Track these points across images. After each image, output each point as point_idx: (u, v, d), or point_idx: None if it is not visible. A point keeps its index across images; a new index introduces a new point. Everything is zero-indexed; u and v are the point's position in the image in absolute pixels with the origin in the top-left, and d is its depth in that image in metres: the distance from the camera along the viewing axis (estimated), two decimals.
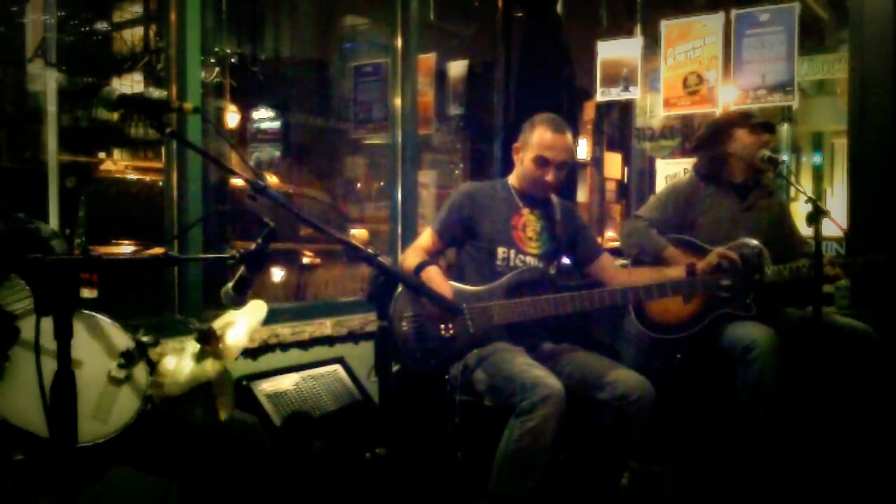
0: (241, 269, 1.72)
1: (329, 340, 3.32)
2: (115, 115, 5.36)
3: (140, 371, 2.05)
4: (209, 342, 2.11)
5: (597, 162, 6.81)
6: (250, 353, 2.95)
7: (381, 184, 5.97)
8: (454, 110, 5.10)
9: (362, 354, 3.32)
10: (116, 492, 2.04)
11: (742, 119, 3.24)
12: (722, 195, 3.22)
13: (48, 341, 1.37)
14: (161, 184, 3.30)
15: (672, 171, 4.50)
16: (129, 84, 6.17)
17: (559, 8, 4.54)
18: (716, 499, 2.96)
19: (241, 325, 2.16)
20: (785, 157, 6.82)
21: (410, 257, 2.75)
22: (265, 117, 7.22)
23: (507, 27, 4.64)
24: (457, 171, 6.33)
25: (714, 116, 3.88)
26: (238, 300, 1.76)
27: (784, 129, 6.97)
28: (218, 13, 5.65)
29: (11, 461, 1.80)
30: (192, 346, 2.17)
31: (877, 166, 3.53)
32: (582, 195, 6.81)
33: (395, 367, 2.65)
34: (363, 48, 7.08)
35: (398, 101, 3.97)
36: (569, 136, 2.75)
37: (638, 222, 3.24)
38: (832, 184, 8.86)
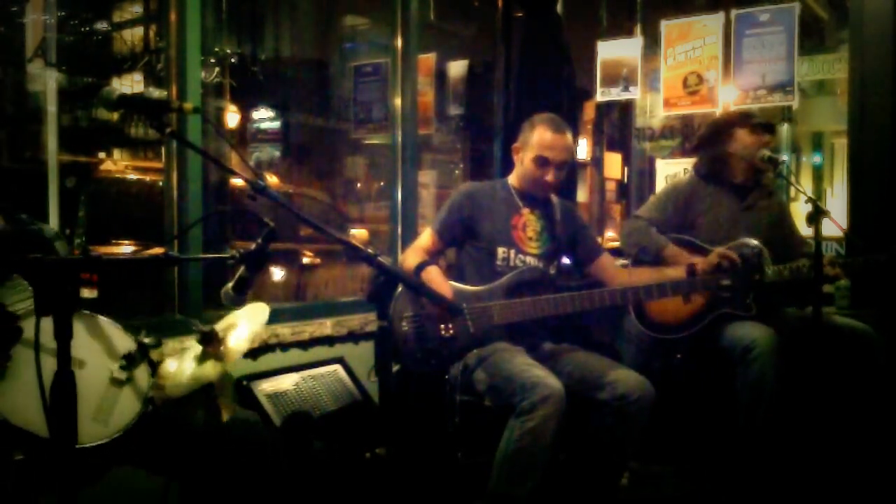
0: (241, 269, 1.72)
1: (329, 340, 3.32)
2: (115, 115, 5.36)
3: (142, 373, 2.05)
4: (211, 344, 2.11)
5: (597, 162, 6.82)
6: (250, 353, 2.95)
7: (381, 184, 5.97)
8: (454, 110, 5.10)
9: (362, 354, 3.32)
10: (116, 492, 2.04)
11: (742, 119, 3.24)
12: (722, 195, 3.22)
13: (50, 341, 1.37)
14: (161, 184, 3.30)
15: (672, 171, 4.49)
16: (129, 84, 6.17)
17: (559, 8, 4.54)
18: (716, 499, 2.96)
19: (244, 328, 2.17)
20: (785, 157, 6.83)
21: (410, 257, 2.75)
22: (265, 117, 7.23)
23: (507, 27, 4.64)
24: (457, 171, 6.33)
25: (714, 116, 3.88)
26: (238, 300, 1.76)
27: (784, 129, 6.97)
28: (218, 13, 5.66)
29: (11, 461, 1.80)
30: (195, 348, 2.17)
31: (877, 166, 3.53)
32: (582, 195, 6.81)
33: (395, 367, 2.65)
34: (363, 48, 7.08)
35: (398, 101, 3.97)
36: (569, 135, 2.75)
37: (638, 222, 3.24)
38: (832, 184, 8.85)
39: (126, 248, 4.13)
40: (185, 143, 2.48)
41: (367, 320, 3.43)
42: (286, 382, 2.91)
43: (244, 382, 2.81)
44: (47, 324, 1.36)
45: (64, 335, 1.35)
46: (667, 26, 4.15)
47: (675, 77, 4.11)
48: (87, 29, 6.69)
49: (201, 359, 2.15)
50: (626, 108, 6.09)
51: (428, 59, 4.47)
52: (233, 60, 6.12)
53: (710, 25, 4.02)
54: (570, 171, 3.05)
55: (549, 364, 2.53)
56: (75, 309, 1.35)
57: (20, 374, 1.81)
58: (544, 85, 4.34)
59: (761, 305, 2.99)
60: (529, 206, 2.80)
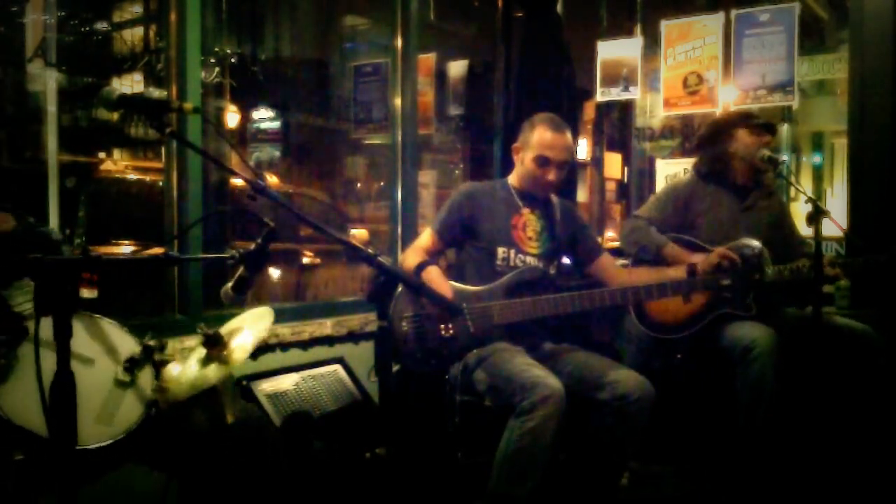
0: (241, 269, 1.72)
1: (329, 340, 3.32)
2: (115, 115, 5.36)
3: (146, 375, 2.06)
4: (215, 347, 2.12)
5: (597, 162, 6.82)
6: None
7: (381, 184, 5.97)
8: (454, 110, 5.10)
9: (362, 354, 3.32)
10: (116, 491, 2.04)
11: (743, 119, 3.23)
12: (722, 195, 3.22)
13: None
14: (161, 184, 3.30)
15: (672, 171, 4.49)
16: (129, 84, 6.17)
17: (559, 8, 4.54)
18: (716, 499, 2.96)
19: (248, 332, 2.17)
20: (785, 157, 6.83)
21: (410, 257, 2.75)
22: (265, 117, 7.23)
23: (507, 27, 4.64)
24: (457, 171, 6.33)
25: (714, 116, 3.88)
26: (238, 300, 1.76)
27: (784, 129, 6.97)
28: (218, 13, 5.66)
29: (11, 461, 1.80)
30: (199, 351, 2.17)
31: (877, 166, 3.53)
32: (582, 195, 6.82)
33: (395, 367, 2.65)
34: (363, 48, 7.09)
35: (398, 101, 3.97)
36: (568, 135, 2.75)
37: (638, 222, 3.24)
38: (832, 184, 8.85)
39: (126, 248, 4.13)
40: (185, 143, 2.48)
41: (367, 320, 3.44)
42: (286, 382, 2.91)
43: (244, 382, 2.81)
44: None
45: (64, 335, 1.35)
46: (667, 26, 4.15)
47: (675, 77, 4.11)
48: (87, 29, 6.70)
49: (205, 362, 2.15)
50: (626, 108, 6.10)
51: (428, 59, 4.47)
52: (233, 60, 6.12)
53: (710, 25, 4.02)
54: (570, 171, 3.05)
55: (549, 364, 2.53)
56: (75, 309, 1.35)
57: (25, 373, 1.82)
58: (544, 85, 4.34)
59: (761, 305, 2.99)
60: (529, 206, 2.80)
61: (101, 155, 5.85)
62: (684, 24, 4.11)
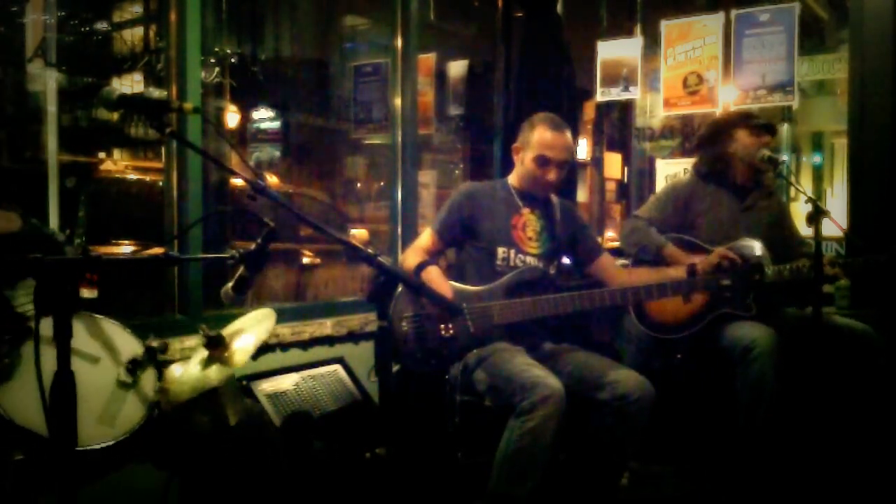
0: (241, 269, 1.72)
1: (329, 340, 3.32)
2: (115, 115, 5.36)
3: (148, 377, 2.06)
4: (217, 349, 2.12)
5: (597, 162, 6.82)
6: None
7: (381, 184, 5.97)
8: (454, 110, 5.10)
9: (362, 354, 3.32)
10: (116, 491, 2.04)
11: (743, 119, 3.24)
12: (722, 195, 3.22)
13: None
14: (161, 184, 3.30)
15: (672, 171, 4.50)
16: (129, 84, 6.18)
17: (559, 8, 4.54)
18: (716, 499, 2.96)
19: (250, 334, 2.17)
20: (785, 157, 6.83)
21: (410, 257, 2.75)
22: (265, 117, 7.23)
23: (507, 27, 4.64)
24: (457, 171, 6.33)
25: (714, 116, 3.88)
26: (238, 300, 1.76)
27: (784, 129, 6.97)
28: (218, 13, 5.66)
29: (11, 461, 1.81)
30: (201, 352, 2.18)
31: (877, 166, 3.53)
32: (582, 195, 6.82)
33: (395, 367, 2.65)
34: (363, 48, 7.09)
35: (398, 101, 3.97)
36: (568, 134, 2.75)
37: (637, 222, 3.24)
38: (832, 184, 8.86)
39: (126, 248, 4.13)
40: (185, 143, 2.48)
41: (367, 320, 3.43)
42: (286, 382, 2.91)
43: (244, 382, 2.81)
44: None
45: (64, 335, 1.35)
46: (667, 26, 4.15)
47: (675, 77, 4.11)
48: (87, 29, 6.70)
49: (207, 363, 2.15)
50: (626, 108, 6.10)
51: (428, 59, 4.47)
52: (233, 60, 6.13)
53: (710, 25, 4.02)
54: (570, 171, 3.05)
55: (549, 364, 2.53)
56: (75, 309, 1.35)
57: (28, 374, 1.82)
58: (544, 85, 4.34)
59: (761, 305, 2.99)
60: (529, 206, 2.80)
61: (101, 155, 5.85)
62: (684, 24, 4.11)
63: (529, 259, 2.74)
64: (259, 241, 1.70)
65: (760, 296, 2.98)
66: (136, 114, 1.76)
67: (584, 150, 6.63)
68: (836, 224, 2.63)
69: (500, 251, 2.73)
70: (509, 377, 2.42)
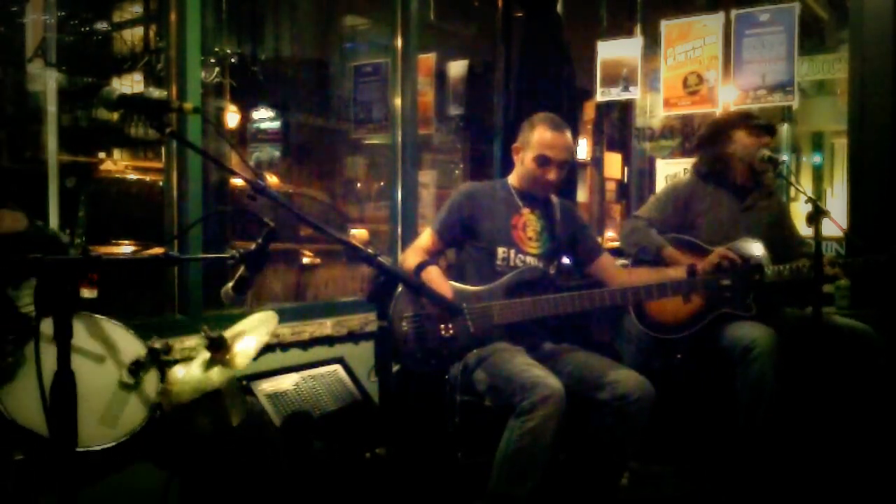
0: (241, 269, 1.72)
1: (329, 340, 3.32)
2: (115, 115, 5.36)
3: (151, 378, 2.07)
4: (219, 351, 2.12)
5: (597, 162, 6.82)
6: None
7: (381, 184, 5.97)
8: (454, 110, 5.10)
9: (362, 354, 3.32)
10: (116, 491, 2.04)
11: (742, 120, 3.24)
12: (722, 195, 3.22)
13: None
14: (161, 184, 3.30)
15: (672, 171, 4.50)
16: (129, 84, 6.18)
17: (559, 8, 4.54)
18: (716, 499, 2.96)
19: (251, 337, 2.17)
20: (785, 157, 6.83)
21: (410, 257, 2.75)
22: (265, 117, 7.23)
23: (507, 27, 4.64)
24: (457, 171, 6.33)
25: (714, 117, 3.88)
26: (238, 300, 1.76)
27: (784, 129, 6.97)
28: (218, 13, 5.66)
29: (11, 461, 1.81)
30: (202, 354, 2.18)
31: (877, 166, 3.53)
32: (582, 195, 6.82)
33: (395, 367, 2.65)
34: (363, 48, 7.09)
35: (398, 101, 3.97)
36: (568, 134, 2.75)
37: (637, 222, 3.24)
38: (832, 184, 8.86)
39: (126, 248, 4.13)
40: (185, 143, 2.48)
41: (367, 320, 3.43)
42: (286, 382, 2.91)
43: (244, 382, 2.81)
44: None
45: (64, 335, 1.35)
46: (667, 26, 4.15)
47: (675, 77, 4.11)
48: (87, 29, 6.70)
49: (208, 365, 2.15)
50: (626, 108, 6.10)
51: (428, 59, 4.47)
52: (233, 60, 6.13)
53: (710, 25, 4.02)
54: (570, 171, 3.05)
55: (549, 364, 2.53)
56: (75, 309, 1.36)
57: (31, 374, 1.82)
58: (544, 85, 4.34)
59: (761, 305, 2.99)
60: (529, 206, 2.80)
61: (101, 155, 5.85)
62: (684, 24, 4.11)
63: (529, 259, 2.74)
64: (259, 241, 1.70)
65: (760, 296, 2.98)
66: (136, 114, 1.76)
67: (584, 150, 6.63)
68: (836, 224, 2.63)
69: (500, 251, 2.73)
70: (509, 377, 2.42)
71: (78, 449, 1.80)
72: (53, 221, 2.80)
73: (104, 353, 2.05)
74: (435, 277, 2.65)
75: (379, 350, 2.69)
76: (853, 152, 3.67)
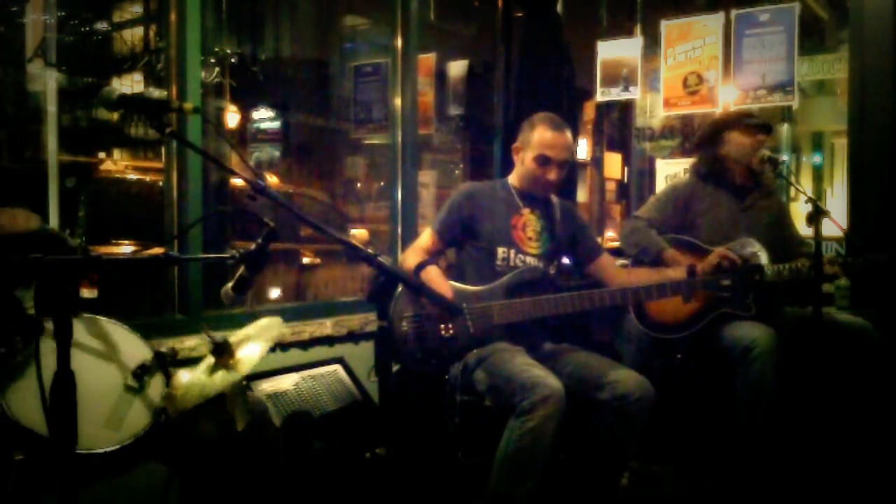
0: (241, 269, 1.72)
1: (329, 340, 3.32)
2: (115, 115, 5.36)
3: (156, 382, 2.07)
4: (224, 356, 2.12)
5: (597, 162, 6.82)
6: None
7: (381, 184, 5.98)
8: (454, 110, 5.10)
9: (362, 354, 3.32)
10: (116, 491, 2.04)
11: (737, 121, 3.24)
12: (721, 195, 3.22)
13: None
14: (161, 184, 3.30)
15: (672, 171, 4.50)
16: (129, 84, 6.18)
17: (559, 8, 4.54)
18: (716, 499, 2.96)
19: (256, 343, 2.17)
20: (785, 157, 6.83)
21: (410, 257, 2.75)
22: (265, 117, 7.23)
23: (507, 27, 4.64)
24: (457, 171, 6.34)
25: (711, 118, 3.88)
26: (238, 300, 1.76)
27: (784, 129, 6.97)
28: (218, 13, 5.66)
29: (12, 461, 1.81)
30: (207, 359, 2.18)
31: (877, 166, 3.53)
32: (582, 195, 6.82)
33: (395, 367, 2.65)
34: (363, 48, 7.10)
35: (398, 101, 3.97)
36: (568, 134, 2.75)
37: (637, 222, 3.24)
38: (832, 184, 8.86)
39: (126, 248, 4.13)
40: (185, 143, 2.48)
41: (367, 320, 3.43)
42: (286, 382, 2.91)
43: (244, 382, 2.81)
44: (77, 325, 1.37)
45: (64, 335, 1.35)
46: (667, 26, 4.15)
47: (675, 77, 4.11)
48: (87, 29, 6.70)
49: (213, 369, 2.15)
50: (626, 108, 6.10)
51: (428, 59, 4.47)
52: (233, 60, 6.13)
53: (710, 25, 4.02)
54: (570, 171, 3.05)
55: (549, 364, 2.52)
56: (75, 309, 1.36)
57: (34, 375, 1.82)
58: (544, 85, 4.34)
59: (761, 305, 3.00)
60: (529, 206, 2.80)
61: (101, 155, 5.85)
62: (684, 24, 4.11)
63: (529, 259, 2.74)
64: (259, 241, 1.70)
65: (760, 296, 2.98)
66: (136, 114, 1.76)
67: (584, 150, 6.64)
68: (836, 224, 2.63)
69: (500, 251, 2.73)
70: (509, 377, 2.42)
71: (81, 451, 1.81)
72: (53, 221, 2.80)
73: (110, 356, 2.05)
74: (434, 277, 2.65)
75: (379, 350, 2.69)
76: (853, 152, 3.67)
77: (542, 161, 2.70)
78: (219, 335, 2.14)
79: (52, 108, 2.92)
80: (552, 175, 2.72)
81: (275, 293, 4.71)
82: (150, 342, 2.23)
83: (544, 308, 2.60)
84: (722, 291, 2.64)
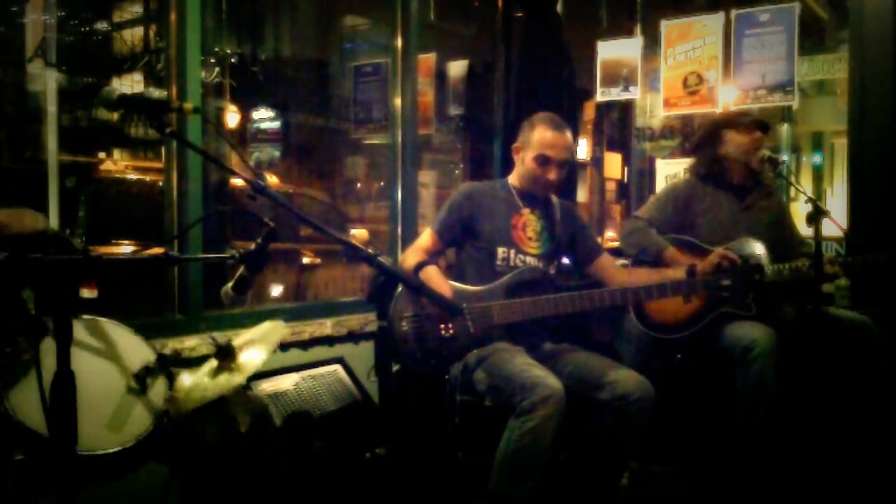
0: (241, 269, 1.72)
1: (329, 340, 3.32)
2: (115, 115, 5.36)
3: (159, 385, 2.07)
4: (227, 359, 2.12)
5: (597, 162, 6.82)
6: None
7: (381, 184, 5.97)
8: (454, 110, 5.10)
9: (362, 354, 3.32)
10: (116, 490, 2.04)
11: (733, 120, 3.25)
12: (721, 195, 3.22)
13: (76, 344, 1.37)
14: (161, 184, 3.30)
15: (672, 171, 4.49)
16: (129, 84, 6.18)
17: (559, 8, 4.54)
18: (716, 499, 2.96)
19: (259, 349, 2.17)
20: (785, 157, 6.83)
21: (410, 257, 2.75)
22: (265, 117, 7.23)
23: (507, 27, 4.64)
24: (457, 171, 6.33)
25: (710, 118, 3.88)
26: (238, 300, 1.76)
27: (784, 129, 6.97)
28: (218, 13, 5.66)
29: (12, 461, 1.81)
30: (210, 361, 2.18)
31: (877, 166, 3.53)
32: (582, 195, 6.81)
33: (395, 367, 2.65)
34: (363, 48, 7.09)
35: (398, 101, 3.97)
36: (568, 134, 2.75)
37: (637, 222, 3.24)
38: (832, 184, 8.86)
39: (126, 248, 4.13)
40: (185, 143, 2.48)
41: (367, 320, 3.43)
42: (286, 382, 2.91)
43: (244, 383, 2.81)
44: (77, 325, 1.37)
45: (63, 335, 1.35)
46: (667, 26, 4.15)
47: (675, 77, 4.11)
48: (87, 29, 6.70)
49: (216, 372, 2.15)
50: (626, 108, 6.10)
51: (428, 59, 4.47)
52: (233, 60, 6.12)
53: (710, 25, 4.02)
54: (570, 171, 3.05)
55: (549, 364, 2.53)
56: (75, 309, 1.36)
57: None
58: (544, 85, 4.34)
59: (761, 305, 2.99)
60: (529, 206, 2.80)
61: (101, 155, 5.84)
62: (684, 24, 4.11)
63: (529, 259, 2.74)
64: (259, 241, 1.70)
65: (760, 296, 2.98)
66: (136, 114, 1.76)
67: (584, 150, 6.63)
68: (836, 224, 2.63)
69: (500, 251, 2.73)
70: (509, 377, 2.42)
71: (83, 453, 1.81)
72: (53, 221, 2.79)
73: (113, 357, 2.05)
74: (433, 277, 2.65)
75: (379, 350, 2.69)
76: (853, 152, 3.67)
77: (542, 161, 2.70)
78: (222, 338, 2.14)
79: (52, 108, 2.92)
80: (552, 175, 2.72)
81: (275, 293, 4.70)
82: (150, 342, 2.23)
83: (544, 308, 2.60)
84: (722, 291, 2.64)
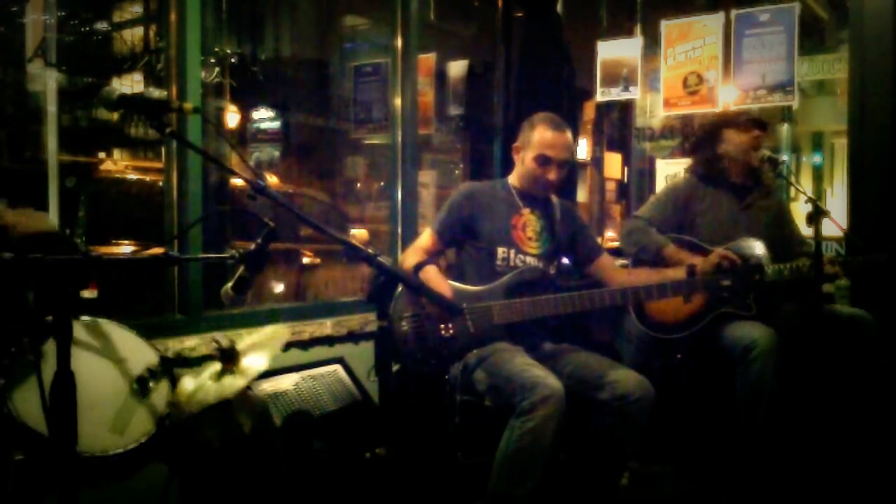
0: (241, 269, 1.72)
1: (329, 340, 3.32)
2: (115, 115, 5.36)
3: (162, 387, 2.07)
4: (230, 362, 2.12)
5: (597, 162, 6.82)
6: None
7: (381, 184, 5.97)
8: (454, 110, 5.10)
9: (362, 354, 3.32)
10: (116, 490, 2.04)
11: (730, 119, 3.25)
12: (721, 195, 3.22)
13: (77, 345, 1.37)
14: (161, 184, 3.30)
15: (672, 171, 4.50)
16: (129, 84, 6.18)
17: (559, 8, 4.54)
18: (716, 499, 2.96)
19: (262, 354, 2.17)
20: (785, 157, 6.83)
21: (410, 257, 2.75)
22: (265, 117, 7.23)
23: (507, 27, 4.64)
24: (457, 171, 6.33)
25: (708, 118, 3.88)
26: (238, 300, 1.76)
27: (784, 129, 6.97)
28: (218, 13, 5.66)
29: (12, 461, 1.81)
30: (213, 364, 2.18)
31: (877, 166, 3.53)
32: (582, 195, 6.82)
33: (395, 367, 2.65)
34: (363, 48, 7.09)
35: (398, 101, 3.97)
36: (568, 134, 2.75)
37: (637, 222, 3.24)
38: (832, 184, 8.86)
39: (126, 248, 4.13)
40: (185, 143, 2.49)
41: (367, 320, 3.43)
42: (286, 382, 2.91)
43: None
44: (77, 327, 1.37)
45: (63, 335, 1.35)
46: (667, 26, 4.15)
47: (675, 77, 4.11)
48: (87, 29, 6.70)
49: (219, 376, 2.15)
50: (626, 108, 6.09)
51: (428, 59, 4.47)
52: (233, 60, 6.12)
53: (710, 25, 4.02)
54: (570, 171, 3.05)
55: (549, 364, 2.52)
56: (75, 309, 1.36)
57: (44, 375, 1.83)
58: (544, 85, 4.34)
59: (761, 305, 2.99)
60: (529, 205, 2.80)
61: (101, 155, 5.84)
62: (684, 24, 4.11)
63: (529, 259, 2.74)
64: (259, 241, 1.70)
65: (760, 295, 2.98)
66: (136, 114, 1.76)
67: (584, 150, 6.63)
68: (836, 224, 2.63)
69: (500, 251, 2.73)
70: (509, 377, 2.42)
71: (85, 454, 1.81)
72: (53, 222, 2.79)
73: (116, 359, 2.05)
74: (433, 277, 2.65)
75: (379, 350, 2.69)
76: (853, 152, 3.67)
77: (543, 161, 2.70)
78: (225, 340, 2.14)
79: (52, 108, 2.92)
80: (552, 175, 2.72)
81: (275, 293, 4.70)
82: (150, 342, 2.23)
83: (544, 308, 2.60)
84: (722, 291, 2.64)
